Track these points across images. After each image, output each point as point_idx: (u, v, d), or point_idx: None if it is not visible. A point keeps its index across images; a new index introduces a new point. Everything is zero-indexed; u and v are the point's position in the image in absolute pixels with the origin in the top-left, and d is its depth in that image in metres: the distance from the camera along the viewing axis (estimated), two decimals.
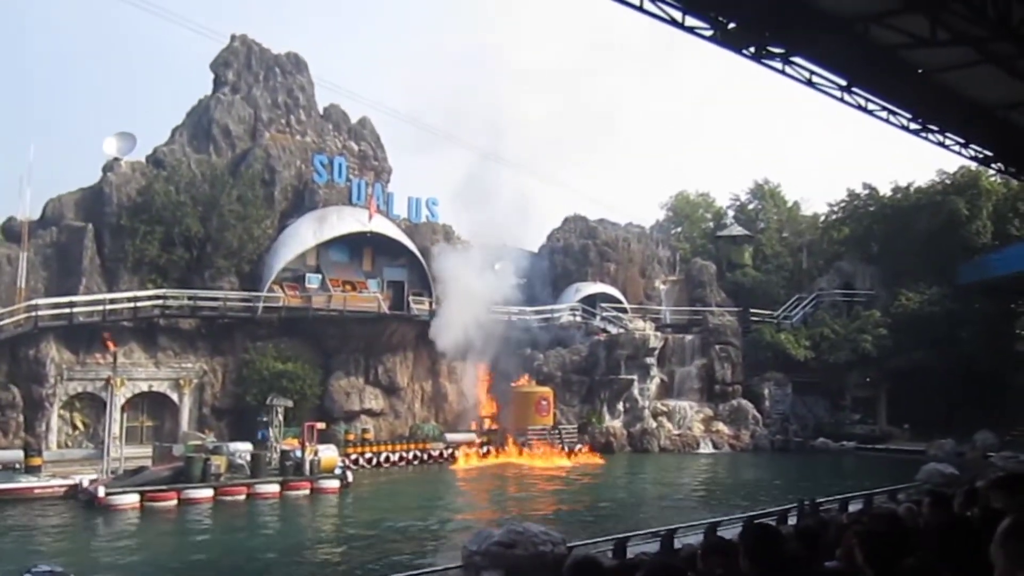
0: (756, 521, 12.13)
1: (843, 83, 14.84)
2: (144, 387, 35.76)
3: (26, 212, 36.92)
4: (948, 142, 18.09)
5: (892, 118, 16.31)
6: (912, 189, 51.93)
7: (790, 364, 48.24)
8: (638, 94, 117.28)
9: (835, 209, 56.63)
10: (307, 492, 28.80)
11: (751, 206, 64.32)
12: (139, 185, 38.43)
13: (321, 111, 46.78)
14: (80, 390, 34.10)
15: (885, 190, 53.47)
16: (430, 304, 43.52)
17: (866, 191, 54.26)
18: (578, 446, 41.56)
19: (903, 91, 15.25)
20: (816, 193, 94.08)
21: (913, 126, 16.83)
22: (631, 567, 4.37)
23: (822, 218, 58.84)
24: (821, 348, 48.12)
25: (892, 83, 14.87)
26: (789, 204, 64.50)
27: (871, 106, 15.74)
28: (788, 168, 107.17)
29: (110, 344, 32.37)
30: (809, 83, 14.50)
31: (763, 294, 53.12)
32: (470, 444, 40.02)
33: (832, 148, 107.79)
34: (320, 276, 41.68)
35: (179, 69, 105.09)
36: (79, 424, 34.34)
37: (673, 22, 12.27)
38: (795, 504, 16.16)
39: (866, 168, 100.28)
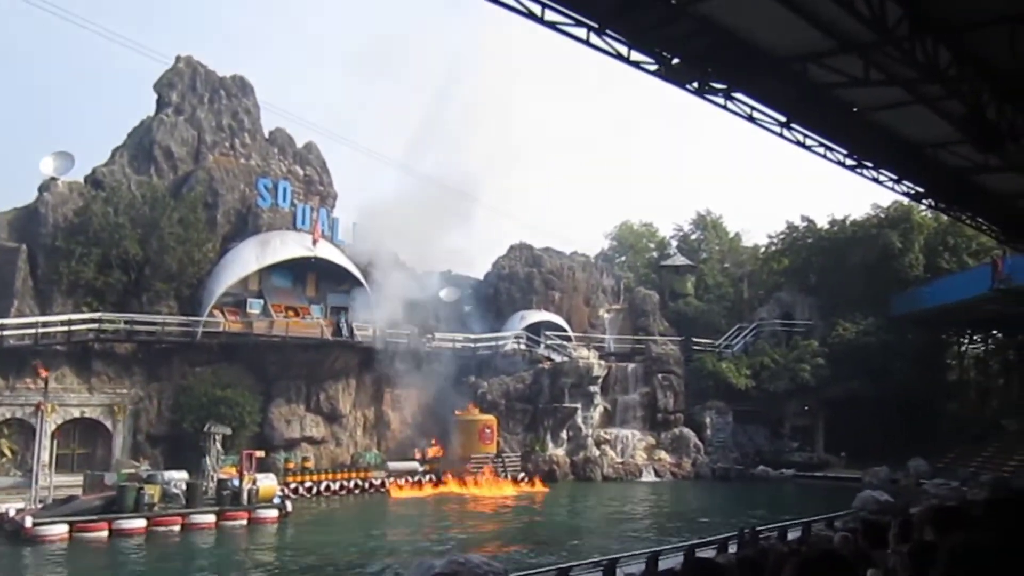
0: (697, 556, 12.22)
1: (782, 119, 15.22)
2: (76, 413, 34.68)
3: None
4: (882, 178, 18.65)
5: (829, 154, 16.76)
6: (848, 222, 53.34)
7: (731, 393, 48.92)
8: (577, 119, 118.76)
9: (775, 241, 57.86)
10: (244, 522, 28.20)
11: (693, 236, 65.31)
12: (76, 206, 37.54)
13: (267, 135, 46.36)
14: (8, 416, 32.92)
15: (823, 223, 54.88)
16: (374, 330, 43.16)
17: (804, 223, 55.59)
18: (521, 475, 41.47)
19: (840, 128, 15.70)
20: (757, 224, 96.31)
21: (849, 162, 17.33)
22: None
23: (762, 249, 60.03)
24: (761, 377, 48.92)
25: (829, 120, 15.30)
26: (731, 235, 65.64)
27: (809, 142, 16.15)
28: (730, 198, 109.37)
29: (41, 370, 31.42)
30: (750, 119, 14.84)
31: (705, 323, 53.85)
32: (412, 473, 39.63)
33: (772, 179, 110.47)
34: (262, 301, 41.09)
35: (121, 89, 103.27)
36: (7, 451, 33.10)
37: (619, 56, 12.47)
38: (735, 532, 16.34)
39: (805, 200, 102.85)
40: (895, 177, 18.84)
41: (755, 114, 14.91)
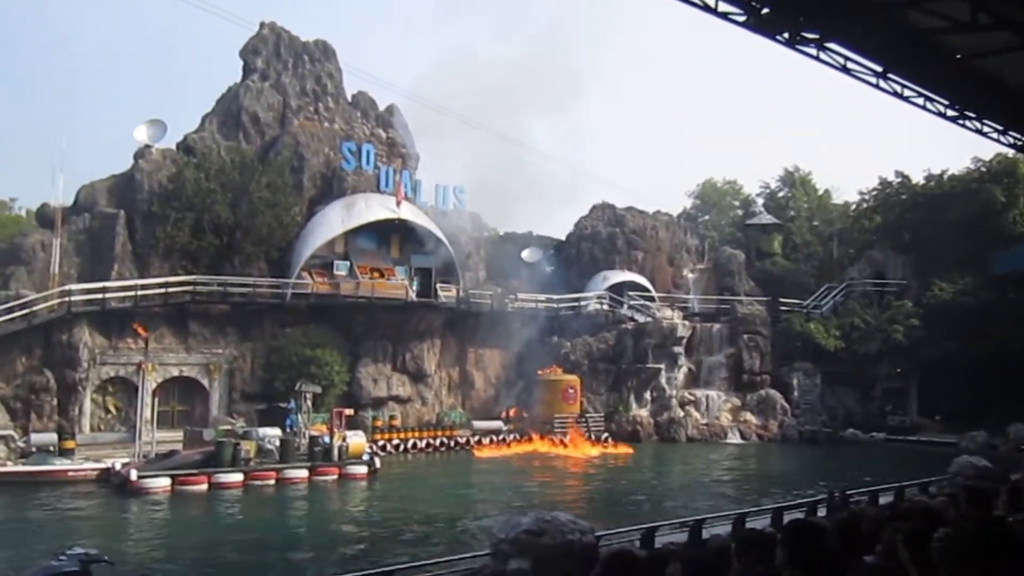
0: (797, 517, 12.04)
1: (879, 69, 14.55)
2: (175, 372, 36.16)
3: (59, 199, 37.52)
4: (986, 129, 17.72)
5: (929, 105, 15.98)
6: (946, 177, 51.10)
7: (819, 354, 47.77)
8: (664, 79, 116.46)
9: (867, 197, 55.90)
10: (335, 478, 29.02)
11: (781, 194, 63.63)
12: (170, 172, 38.77)
13: (349, 98, 46.90)
14: (112, 374, 34.55)
15: (918, 178, 52.73)
16: (458, 291, 43.60)
17: (898, 179, 53.49)
18: (605, 435, 41.52)
19: (941, 77, 14.93)
20: (847, 181, 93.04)
21: (950, 113, 16.49)
22: (662, 558, 4.32)
23: (853, 207, 58.09)
24: (851, 338, 47.59)
25: (929, 69, 14.55)
26: (820, 192, 63.76)
27: (907, 92, 15.42)
28: (819, 155, 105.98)
29: (141, 330, 32.74)
30: (844, 69, 14.24)
31: (792, 283, 52.60)
32: (496, 431, 40.11)
33: (864, 135, 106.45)
34: (348, 263, 41.86)
35: (209, 57, 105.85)
36: (111, 408, 34.81)
37: (706, 8, 12.10)
38: (825, 495, 15.99)
39: (899, 156, 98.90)
40: (1000, 128, 17.88)
41: (849, 64, 14.31)
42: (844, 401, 47.98)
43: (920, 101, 15.85)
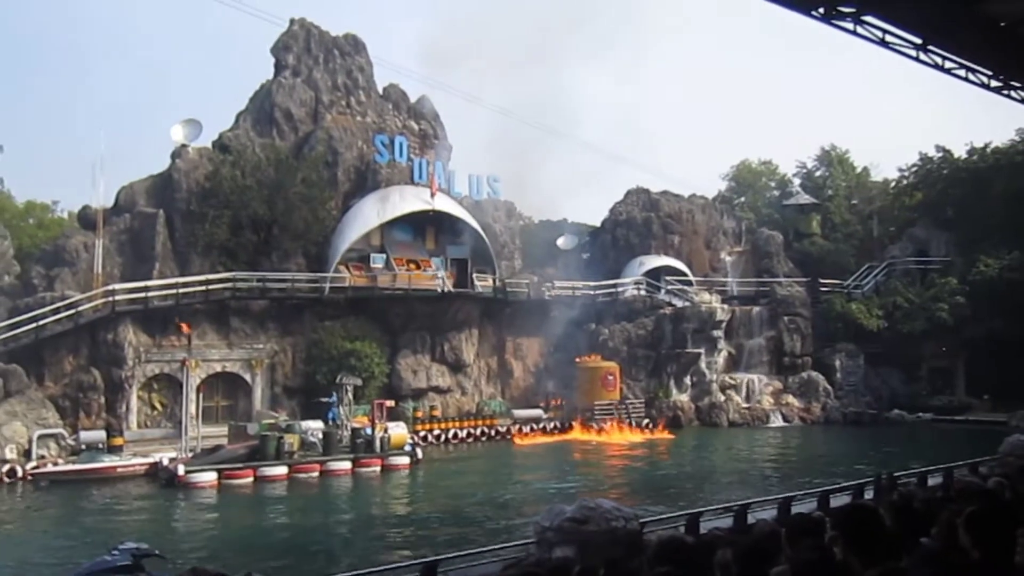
0: (844, 500, 11.85)
1: (918, 42, 14.23)
2: (218, 368, 36.63)
3: (100, 200, 38.12)
4: None
5: (972, 76, 15.61)
6: (989, 150, 49.98)
7: (862, 335, 47.07)
8: (695, 60, 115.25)
9: (907, 174, 54.82)
10: (378, 469, 29.25)
11: (818, 173, 62.68)
12: (206, 170, 39.19)
13: (380, 91, 47.01)
14: (157, 371, 35.10)
15: (960, 152, 51.61)
16: (494, 281, 43.62)
17: (939, 154, 52.40)
18: (646, 421, 41.35)
19: (983, 47, 14.56)
20: (886, 158, 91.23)
21: (994, 83, 16.09)
22: (711, 544, 4.26)
23: (893, 183, 57.04)
24: (894, 318, 46.83)
25: (971, 39, 14.20)
26: (858, 170, 62.67)
27: (948, 64, 15.08)
28: (856, 133, 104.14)
29: (185, 327, 33.19)
30: (882, 43, 13.95)
31: (832, 263, 51.90)
32: (537, 420, 40.13)
33: (904, 111, 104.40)
34: (384, 255, 42.04)
35: (241, 55, 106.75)
36: (157, 404, 35.38)
37: None
38: (872, 478, 15.74)
39: (939, 130, 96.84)
40: None
41: (888, 38, 14.01)
42: (888, 381, 47.26)
43: (962, 73, 15.49)
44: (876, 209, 57.03)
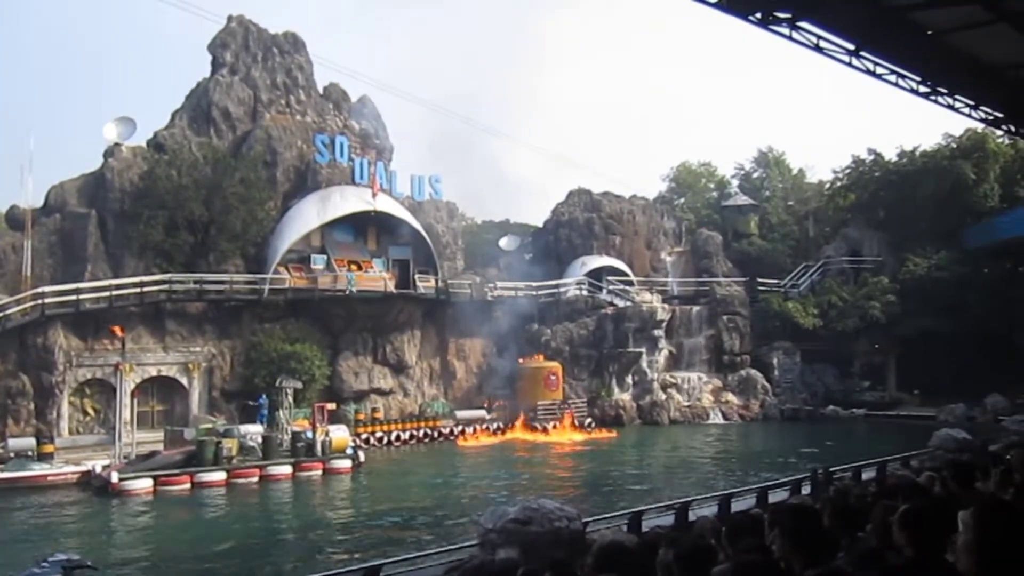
0: (784, 497, 12.04)
1: (851, 47, 14.55)
2: (153, 372, 35.80)
3: (29, 200, 36.95)
4: (958, 104, 17.79)
5: (901, 81, 16.02)
6: (918, 153, 51.51)
7: (798, 333, 48.15)
8: (634, 63, 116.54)
9: (840, 176, 56.21)
10: (319, 473, 28.90)
11: (755, 174, 63.91)
12: (141, 170, 38.27)
13: (321, 91, 46.47)
14: (90, 376, 34.15)
15: (891, 155, 53.09)
16: (436, 282, 43.46)
17: (871, 157, 53.85)
18: (588, 420, 41.62)
19: (912, 54, 14.96)
20: (821, 160, 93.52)
21: (923, 89, 16.54)
22: (653, 545, 4.28)
23: (828, 185, 58.43)
24: (829, 316, 48.00)
25: (901, 46, 14.58)
26: (794, 172, 64.07)
27: (879, 70, 15.44)
28: (792, 135, 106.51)
29: (118, 330, 32.35)
30: (817, 48, 14.23)
31: (770, 263, 52.94)
32: (480, 421, 40.09)
33: (836, 113, 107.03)
34: (325, 257, 41.54)
35: (176, 52, 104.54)
36: (90, 410, 34.43)
37: None
38: (808, 473, 16.08)
39: (871, 134, 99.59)
40: (972, 103, 17.96)
41: (822, 43, 14.29)
42: (823, 378, 48.42)
43: (892, 78, 15.88)
44: (812, 210, 58.35)
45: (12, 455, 28.89)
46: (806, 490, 14.14)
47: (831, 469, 16.26)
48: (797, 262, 52.73)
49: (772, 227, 56.99)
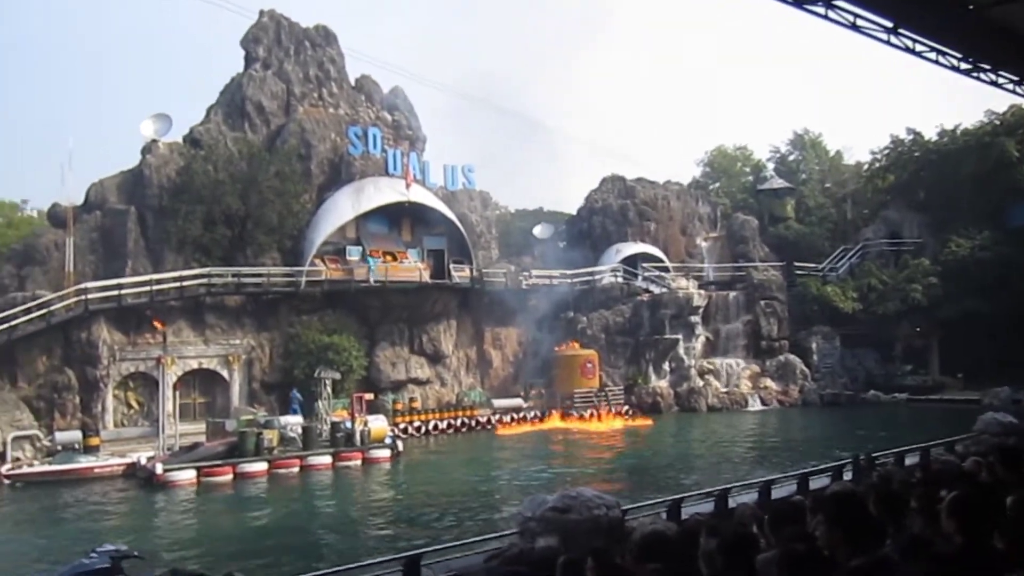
0: (824, 483, 11.90)
1: (889, 25, 14.27)
2: (194, 364, 36.31)
3: (69, 198, 37.61)
4: (1001, 80, 17.40)
5: (941, 59, 15.69)
6: (959, 132, 50.47)
7: (837, 317, 47.54)
8: (669, 50, 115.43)
9: (879, 157, 55.32)
10: (359, 462, 29.14)
11: (791, 157, 63.08)
12: (178, 166, 38.74)
13: (353, 83, 46.67)
14: (133, 370, 34.72)
15: (931, 134, 52.12)
16: (471, 271, 43.54)
17: (910, 136, 52.88)
18: (625, 408, 41.51)
19: (953, 29, 14.63)
20: (859, 141, 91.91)
21: (964, 66, 16.19)
22: (693, 533, 4.25)
23: (866, 166, 57.53)
24: (869, 299, 47.30)
25: (941, 22, 14.26)
26: (831, 153, 63.16)
27: (919, 47, 15.14)
28: (829, 116, 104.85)
29: (159, 324, 32.84)
30: (853, 27, 13.97)
31: (807, 247, 52.31)
32: (517, 409, 40.16)
33: (875, 94, 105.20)
34: (360, 248, 41.78)
35: (210, 48, 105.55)
36: (133, 403, 35.03)
37: None
38: (850, 459, 15.87)
39: (910, 113, 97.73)
40: (1016, 78, 17.55)
41: (859, 21, 14.04)
42: (864, 363, 47.79)
43: (932, 55, 15.57)
44: (849, 192, 57.50)
45: (60, 448, 29.52)
46: (848, 476, 13.97)
47: (873, 455, 16.04)
48: (835, 245, 52.04)
49: (809, 210, 56.27)
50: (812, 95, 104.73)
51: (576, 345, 43.03)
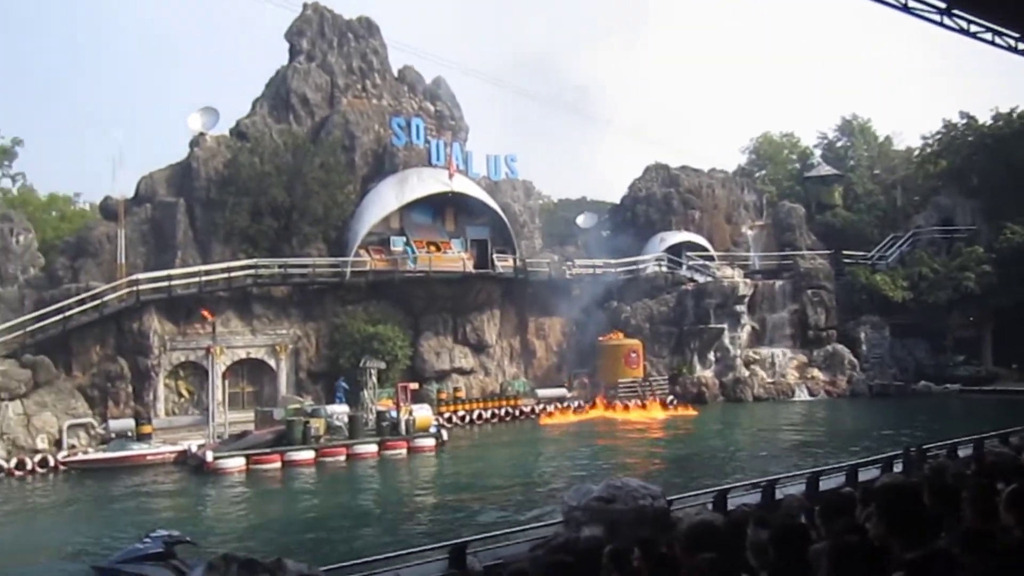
0: (873, 475, 11.71)
1: (942, 5, 13.93)
2: (242, 354, 36.87)
3: (120, 191, 38.40)
4: None
5: (997, 39, 15.26)
6: (1015, 115, 49.10)
7: (887, 306, 46.63)
8: (711, 34, 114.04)
9: (930, 142, 54.02)
10: (404, 451, 29.41)
11: (839, 144, 61.92)
12: (225, 158, 39.29)
13: (396, 73, 46.87)
14: (183, 359, 35.38)
15: (985, 118, 50.76)
16: (514, 261, 43.55)
17: (963, 120, 51.56)
18: (670, 398, 41.26)
19: (1009, 9, 14.22)
20: (909, 126, 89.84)
21: (1021, 47, 15.73)
22: (740, 524, 4.21)
23: (916, 152, 56.24)
24: (920, 288, 46.31)
25: (997, 1, 13.87)
26: (880, 139, 61.86)
27: (974, 28, 14.74)
28: (877, 101, 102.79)
29: (208, 314, 33.41)
30: (905, 8, 13.66)
31: (855, 235, 51.39)
32: (561, 399, 40.15)
33: (925, 79, 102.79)
34: (404, 238, 42.03)
35: (255, 41, 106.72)
36: (184, 392, 35.71)
37: None
38: (900, 451, 15.57)
39: (963, 97, 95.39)
40: None
41: (910, 3, 13.71)
42: (914, 353, 46.87)
43: (988, 36, 15.14)
44: (899, 178, 56.31)
45: (113, 436, 30.25)
46: (898, 468, 13.72)
47: (924, 446, 15.72)
48: (884, 233, 51.04)
49: (857, 197, 55.23)
50: (861, 80, 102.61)
51: (620, 335, 42.84)
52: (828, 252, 49.65)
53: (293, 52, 44.33)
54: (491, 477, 24.84)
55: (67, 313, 33.00)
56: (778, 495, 12.30)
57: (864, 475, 12.92)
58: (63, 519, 21.53)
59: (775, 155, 65.67)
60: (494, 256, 43.43)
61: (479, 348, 42.08)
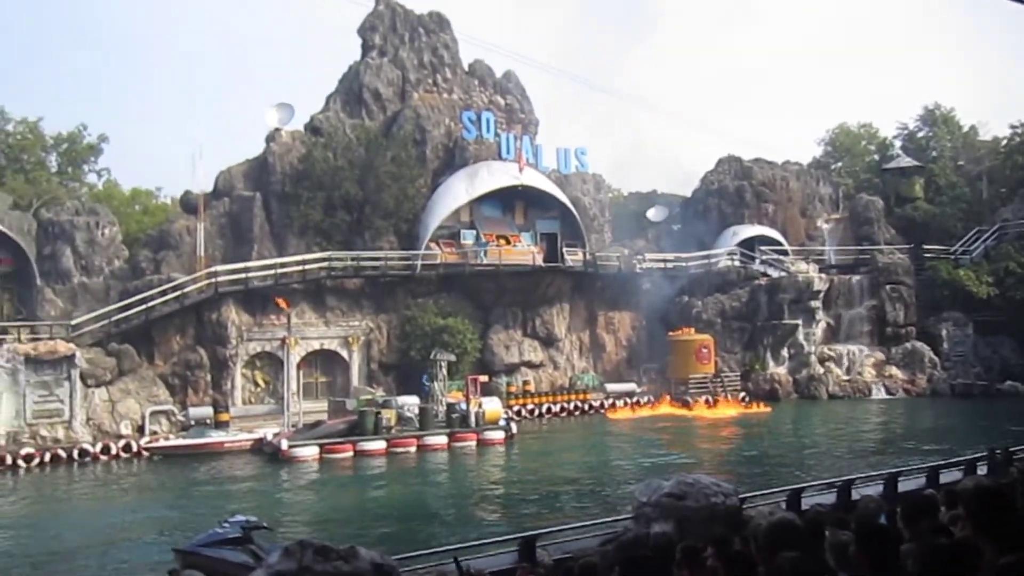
0: (978, 482, 11.33)
1: None
2: (316, 345, 37.61)
3: (200, 185, 39.52)
4: None
5: None
6: None
7: (970, 302, 44.99)
8: (785, 24, 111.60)
9: (1019, 131, 51.85)
10: (474, 444, 29.60)
11: (920, 134, 59.88)
12: (300, 153, 40.07)
13: (466, 67, 47.10)
14: (259, 350, 36.28)
15: None
16: (584, 254, 43.39)
17: None
18: (742, 394, 40.61)
19: None
20: (995, 116, 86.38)
21: None
22: (817, 524, 4.12)
23: (1004, 142, 54.05)
24: (1006, 284, 44.54)
25: None
26: (964, 129, 59.63)
27: None
28: (962, 91, 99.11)
29: (284, 304, 34.18)
30: None
31: (937, 228, 49.69)
32: (630, 394, 39.89)
33: (1012, 65, 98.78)
34: (474, 232, 42.25)
35: (329, 37, 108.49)
36: (260, 381, 36.60)
37: None
38: (985, 453, 15.04)
39: None
40: None
41: None
42: (1000, 351, 45.09)
43: None
44: (985, 170, 54.21)
45: (192, 423, 31.22)
46: (983, 471, 13.25)
47: (1011, 449, 15.15)
48: (969, 226, 49.21)
49: (940, 190, 53.38)
50: (944, 69, 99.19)
51: (691, 330, 42.29)
52: (908, 246, 48.13)
53: (365, 47, 44.93)
54: (560, 470, 24.84)
55: (150, 304, 34.16)
56: (854, 496, 12.02)
57: (946, 477, 12.53)
58: (146, 502, 22.31)
59: (852, 146, 63.89)
60: (564, 249, 43.34)
61: (548, 342, 42.07)
